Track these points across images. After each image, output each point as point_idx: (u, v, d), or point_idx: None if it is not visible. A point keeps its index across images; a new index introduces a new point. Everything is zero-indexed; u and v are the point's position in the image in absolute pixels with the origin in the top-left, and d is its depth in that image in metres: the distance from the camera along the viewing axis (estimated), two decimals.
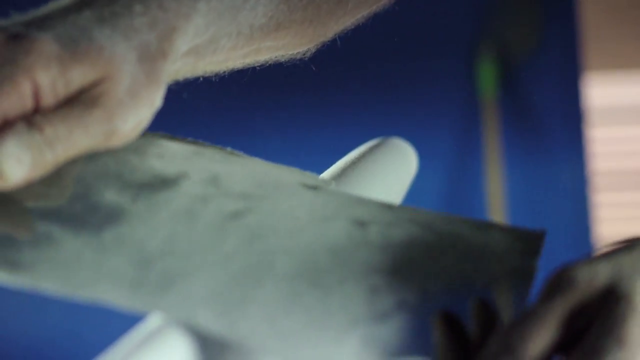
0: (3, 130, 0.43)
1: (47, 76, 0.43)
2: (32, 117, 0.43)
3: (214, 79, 0.59)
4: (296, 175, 0.50)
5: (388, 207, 0.49)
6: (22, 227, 0.42)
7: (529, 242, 0.47)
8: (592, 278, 0.42)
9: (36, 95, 0.44)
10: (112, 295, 0.40)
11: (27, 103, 0.43)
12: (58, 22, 0.45)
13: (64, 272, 0.39)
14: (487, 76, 2.28)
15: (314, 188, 0.49)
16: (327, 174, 0.54)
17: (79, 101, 0.45)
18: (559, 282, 0.42)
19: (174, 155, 0.49)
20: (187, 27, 0.49)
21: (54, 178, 0.43)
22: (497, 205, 2.28)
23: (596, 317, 0.41)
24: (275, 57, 0.63)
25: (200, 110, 2.40)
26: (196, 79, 0.55)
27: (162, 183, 0.46)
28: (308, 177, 0.50)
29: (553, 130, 2.33)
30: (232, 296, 0.41)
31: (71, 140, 0.44)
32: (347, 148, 0.63)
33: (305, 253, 0.44)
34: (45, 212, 0.42)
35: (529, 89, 2.35)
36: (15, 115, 0.43)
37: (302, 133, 2.35)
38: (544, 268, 0.46)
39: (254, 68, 0.60)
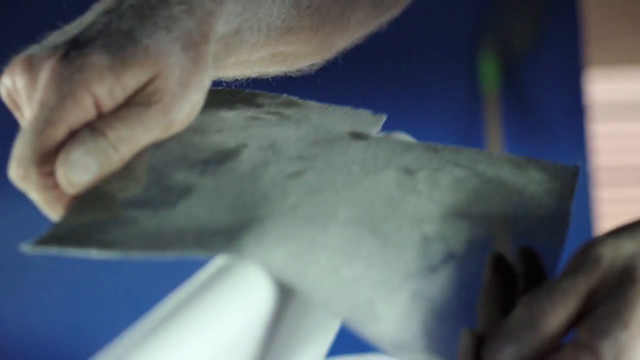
0: (70, 139, 0.47)
1: (103, 86, 0.47)
2: (95, 123, 0.47)
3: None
4: (346, 123, 0.55)
5: (433, 149, 0.53)
6: (109, 215, 0.46)
7: (564, 180, 0.51)
8: (615, 257, 0.43)
9: (96, 105, 0.47)
10: (190, 247, 0.43)
11: (90, 113, 0.47)
12: (102, 31, 0.48)
13: (148, 241, 0.43)
14: (489, 71, 2.28)
15: (363, 138, 0.54)
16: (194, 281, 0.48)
17: (136, 101, 0.48)
18: (585, 258, 0.44)
19: (231, 127, 0.53)
20: (221, 11, 0.52)
21: (129, 171, 0.47)
22: None
23: (609, 295, 0.42)
24: (284, 69, 0.68)
25: None
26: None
27: (225, 155, 0.50)
28: (357, 122, 0.55)
29: (555, 125, 2.33)
30: (301, 240, 0.43)
31: (133, 138, 0.47)
32: None
33: (363, 203, 0.47)
34: (126, 201, 0.46)
35: (531, 85, 2.35)
36: (80, 125, 0.47)
37: None
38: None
39: None
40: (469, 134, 2.32)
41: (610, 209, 2.37)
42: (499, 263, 0.46)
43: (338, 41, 0.70)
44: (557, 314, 0.42)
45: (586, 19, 2.36)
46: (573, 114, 2.33)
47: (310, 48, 0.67)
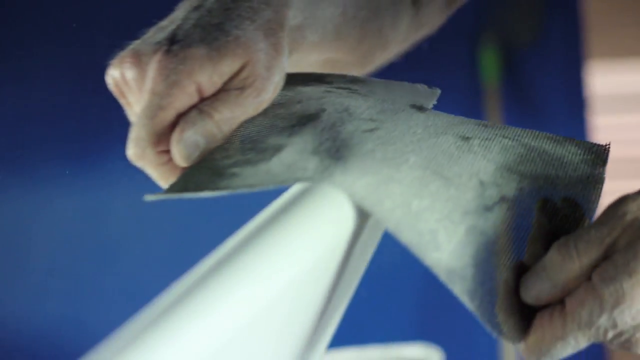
0: (179, 121, 0.55)
1: (203, 75, 0.54)
2: (201, 106, 0.55)
3: None
4: (407, 96, 0.64)
5: (483, 125, 0.60)
6: (216, 174, 0.53)
7: (597, 153, 0.58)
8: (638, 213, 0.50)
9: (199, 91, 0.55)
10: (288, 179, 0.51)
11: (193, 98, 0.55)
12: (197, 26, 0.56)
13: (251, 183, 0.52)
14: (489, 64, 2.27)
15: (422, 110, 0.62)
16: (278, 202, 0.52)
17: (232, 85, 0.55)
18: (613, 213, 0.50)
19: (309, 98, 0.61)
20: (292, 2, 0.59)
21: (228, 142, 0.56)
22: None
23: (625, 246, 0.48)
24: None
25: None
26: None
27: (307, 118, 0.58)
28: (416, 95, 0.64)
29: (555, 118, 2.32)
30: (378, 176, 0.51)
31: (233, 118, 0.55)
32: None
33: (428, 154, 0.54)
34: (229, 164, 0.54)
35: (532, 77, 2.34)
36: (186, 109, 0.55)
37: None
38: None
39: None
40: None
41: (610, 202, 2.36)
42: (546, 208, 0.53)
43: (377, 55, 0.78)
44: (580, 260, 0.49)
45: (587, 11, 2.35)
46: (574, 107, 2.33)
47: (353, 58, 0.74)
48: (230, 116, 0.55)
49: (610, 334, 0.49)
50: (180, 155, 0.55)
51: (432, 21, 0.89)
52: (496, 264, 0.50)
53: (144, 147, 0.56)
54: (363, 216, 0.52)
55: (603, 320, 0.48)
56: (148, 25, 0.59)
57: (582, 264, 0.49)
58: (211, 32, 0.55)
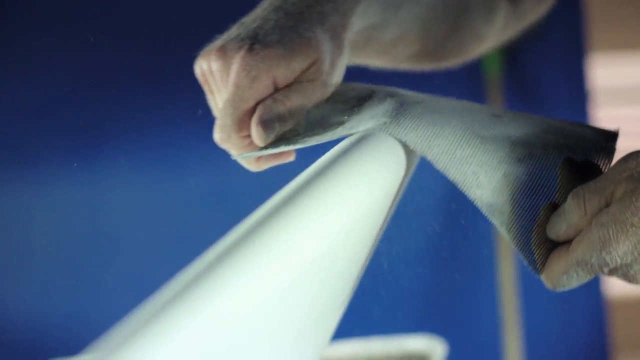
0: (257, 107, 0.65)
1: (279, 71, 0.65)
2: (276, 96, 0.65)
3: None
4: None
5: (510, 111, 0.69)
6: (290, 143, 0.66)
7: (609, 134, 0.66)
8: (636, 169, 0.58)
9: (274, 84, 0.65)
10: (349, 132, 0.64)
11: (270, 90, 0.65)
12: (275, 27, 0.65)
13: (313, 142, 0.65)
14: (491, 56, 2.26)
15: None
16: (335, 149, 0.58)
17: (302, 79, 0.66)
18: (617, 167, 0.59)
19: (361, 87, 0.71)
20: (358, 9, 0.69)
21: (298, 124, 0.67)
22: None
23: (620, 196, 0.57)
24: (419, 67, 0.93)
25: None
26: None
27: (362, 99, 0.68)
28: None
29: (557, 110, 2.31)
30: (427, 131, 0.63)
31: (302, 105, 0.66)
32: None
33: (467, 120, 0.64)
34: (300, 136, 0.66)
35: (534, 69, 2.33)
36: (263, 98, 0.65)
37: None
38: None
39: None
40: None
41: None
42: (568, 165, 0.62)
43: (470, 48, 0.92)
44: (586, 207, 0.58)
45: (589, 3, 2.35)
46: (576, 99, 2.32)
47: (443, 51, 0.89)
48: (299, 104, 0.66)
49: (605, 270, 0.57)
50: (259, 135, 0.65)
51: (534, 12, 1.00)
52: (530, 204, 0.60)
53: (229, 133, 0.67)
54: (408, 167, 0.64)
55: (594, 259, 0.57)
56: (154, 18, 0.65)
57: (587, 210, 0.58)
58: (287, 34, 0.65)
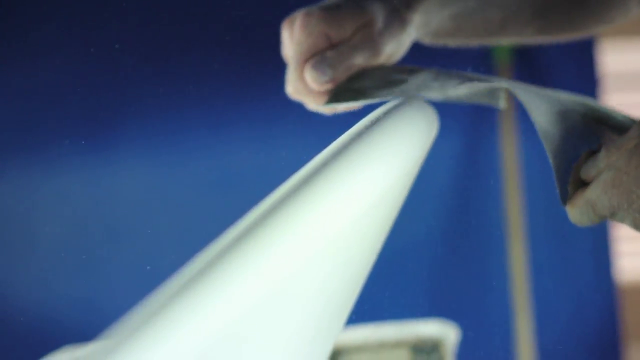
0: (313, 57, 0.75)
1: (332, 29, 0.74)
2: (328, 50, 0.75)
3: None
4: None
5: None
6: (360, 93, 0.74)
7: (624, 115, 0.73)
8: None
9: (328, 40, 0.75)
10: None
11: (325, 44, 0.75)
12: (339, 1, 0.76)
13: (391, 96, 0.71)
14: (501, 48, 2.25)
15: None
16: (349, 132, 0.56)
17: (357, 39, 0.75)
18: (636, 128, 0.64)
19: (412, 65, 0.78)
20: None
21: (356, 79, 0.76)
22: (512, 169, 2.25)
23: (629, 152, 0.63)
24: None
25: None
26: None
27: (416, 70, 0.75)
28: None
29: None
30: (448, 85, 0.72)
31: (348, 62, 0.75)
32: (367, 110, 0.67)
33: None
34: (369, 86, 0.74)
35: (543, 55, 2.31)
36: (318, 51, 0.75)
37: None
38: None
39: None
40: (481, 106, 2.30)
41: None
42: (604, 124, 0.70)
43: (591, 28, 0.98)
44: (608, 158, 0.64)
45: None
46: (585, 85, 2.31)
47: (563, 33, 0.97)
48: (349, 57, 0.74)
49: (607, 212, 0.64)
50: (312, 78, 0.74)
51: None
52: (575, 144, 0.67)
53: (296, 85, 0.77)
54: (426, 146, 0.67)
55: (604, 202, 0.63)
56: None
57: (608, 162, 0.64)
58: (346, 2, 0.75)
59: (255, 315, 0.38)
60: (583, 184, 0.66)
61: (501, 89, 0.77)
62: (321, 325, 0.50)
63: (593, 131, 0.69)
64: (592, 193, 0.64)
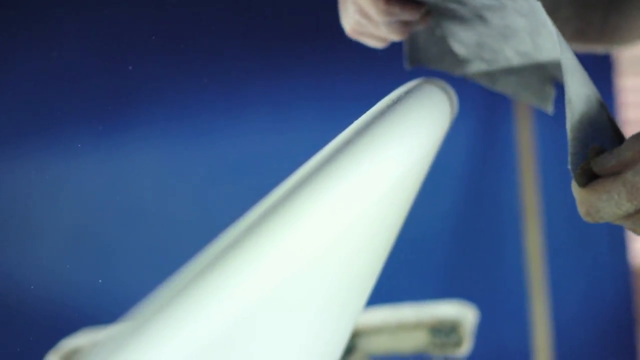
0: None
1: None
2: None
3: None
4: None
5: None
6: (456, 61, 0.78)
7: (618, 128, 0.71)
8: None
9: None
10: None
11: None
12: None
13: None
14: None
15: None
16: (370, 112, 0.54)
17: None
18: None
19: None
20: None
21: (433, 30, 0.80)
22: (528, 151, 2.24)
23: None
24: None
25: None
26: None
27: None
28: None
29: None
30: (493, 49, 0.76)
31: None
32: (388, 89, 0.64)
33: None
34: (465, 56, 0.80)
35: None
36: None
37: (348, 76, 2.32)
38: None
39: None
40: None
41: None
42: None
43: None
44: (633, 150, 0.59)
45: None
46: (600, 68, 2.29)
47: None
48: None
49: (624, 209, 0.60)
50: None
51: None
52: (593, 134, 0.64)
53: (363, 19, 0.77)
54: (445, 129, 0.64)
55: (620, 198, 0.59)
56: None
57: (633, 154, 0.60)
58: None
59: (278, 298, 0.38)
60: (591, 177, 0.62)
61: (550, 89, 0.75)
62: (343, 308, 0.50)
63: (609, 127, 0.65)
64: (612, 186, 0.60)
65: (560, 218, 2.31)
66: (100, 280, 2.38)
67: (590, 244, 2.33)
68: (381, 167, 0.47)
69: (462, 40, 0.78)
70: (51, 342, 1.63)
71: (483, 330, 1.95)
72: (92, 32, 2.36)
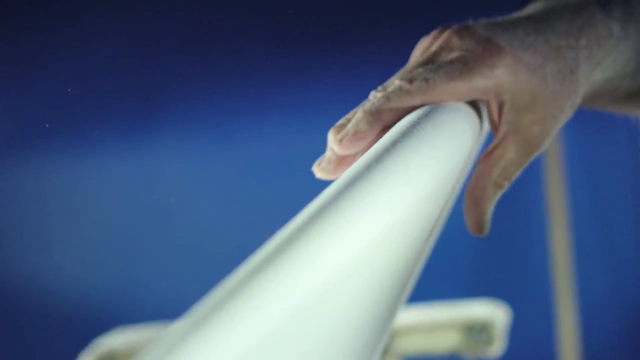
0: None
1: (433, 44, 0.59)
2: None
3: None
4: None
5: None
6: None
7: None
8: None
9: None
10: None
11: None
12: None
13: None
14: None
15: None
16: (406, 119, 0.53)
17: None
18: None
19: None
20: (606, 62, 0.58)
21: None
22: (554, 148, 2.22)
23: None
24: None
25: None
26: None
27: None
28: None
29: None
30: None
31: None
32: None
33: None
34: None
35: None
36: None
37: (376, 78, 2.29)
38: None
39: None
40: None
41: None
42: None
43: None
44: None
45: None
46: None
47: None
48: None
49: None
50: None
51: None
52: None
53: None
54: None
55: None
56: None
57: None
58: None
59: (332, 291, 0.38)
60: None
61: None
62: (388, 306, 0.49)
63: None
64: None
65: (587, 216, 2.27)
66: (128, 281, 2.37)
67: (617, 242, 2.30)
68: (426, 170, 0.48)
69: None
70: (82, 343, 1.61)
71: (510, 329, 1.92)
72: (122, 33, 2.34)
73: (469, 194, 0.58)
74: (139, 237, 2.37)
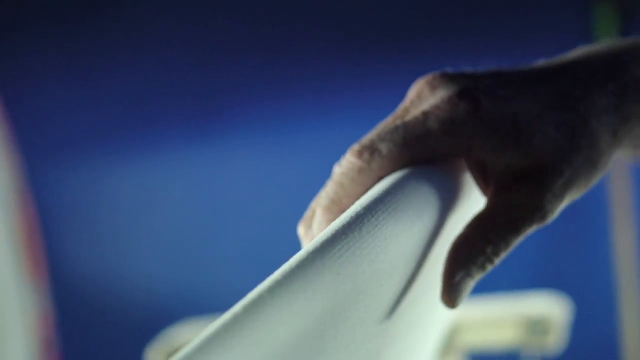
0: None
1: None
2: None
3: None
4: None
5: None
6: None
7: None
8: None
9: None
10: None
11: None
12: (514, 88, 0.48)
13: None
14: (605, 22, 2.11)
15: None
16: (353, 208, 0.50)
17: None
18: None
19: None
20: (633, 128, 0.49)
21: None
22: None
23: None
24: None
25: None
26: None
27: None
28: None
29: None
30: None
31: None
32: None
33: None
34: None
35: None
36: None
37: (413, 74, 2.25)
38: None
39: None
40: None
41: None
42: None
43: None
44: None
45: None
46: None
47: None
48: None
49: None
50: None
51: None
52: None
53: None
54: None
55: None
56: None
57: None
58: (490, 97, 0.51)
59: (382, 287, 0.38)
60: None
61: None
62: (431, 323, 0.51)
63: None
64: None
65: None
66: (197, 275, 2.38)
67: None
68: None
69: None
70: (150, 335, 1.61)
71: (572, 324, 1.87)
72: (189, 35, 2.34)
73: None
74: (207, 233, 2.38)
